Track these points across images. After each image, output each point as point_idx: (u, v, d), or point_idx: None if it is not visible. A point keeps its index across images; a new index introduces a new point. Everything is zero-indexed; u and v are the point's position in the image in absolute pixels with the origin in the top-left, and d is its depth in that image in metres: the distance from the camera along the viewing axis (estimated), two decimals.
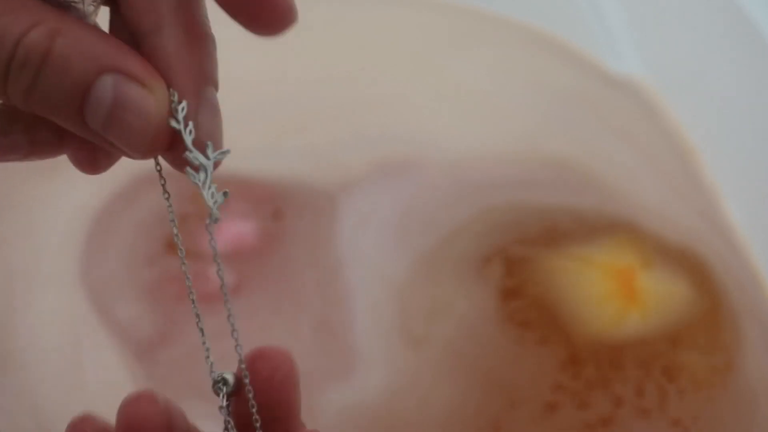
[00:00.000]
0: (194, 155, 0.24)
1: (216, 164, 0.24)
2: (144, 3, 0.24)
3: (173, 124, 0.24)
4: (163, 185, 0.26)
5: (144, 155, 0.24)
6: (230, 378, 0.26)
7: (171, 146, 0.24)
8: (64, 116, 0.24)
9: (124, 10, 0.25)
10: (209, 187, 0.24)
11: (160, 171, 0.26)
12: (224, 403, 0.26)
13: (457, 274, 0.57)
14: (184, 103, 0.24)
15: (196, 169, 0.24)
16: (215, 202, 0.24)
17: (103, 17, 0.26)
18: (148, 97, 0.24)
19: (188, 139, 0.24)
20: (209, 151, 0.24)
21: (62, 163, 0.28)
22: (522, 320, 0.55)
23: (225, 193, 0.24)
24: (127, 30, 0.25)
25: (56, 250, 0.57)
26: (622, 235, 0.60)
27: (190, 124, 0.24)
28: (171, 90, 0.24)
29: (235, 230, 0.58)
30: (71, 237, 0.58)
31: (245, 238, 0.58)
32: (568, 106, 0.69)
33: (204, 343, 0.26)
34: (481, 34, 0.73)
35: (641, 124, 0.68)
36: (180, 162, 0.25)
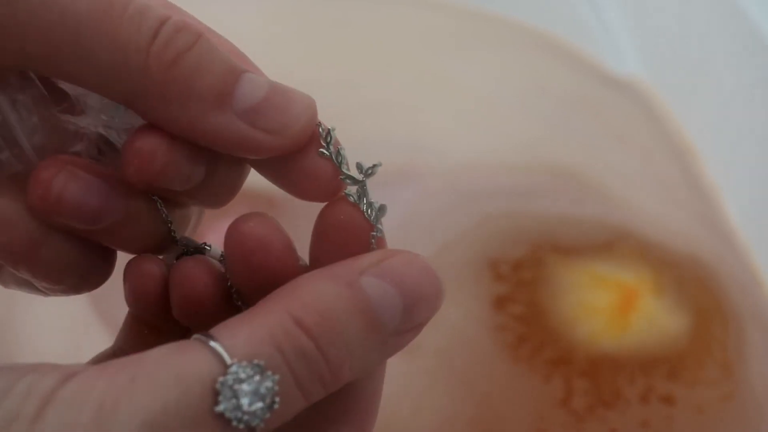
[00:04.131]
0: (349, 176, 0.24)
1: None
2: None
3: (323, 151, 0.24)
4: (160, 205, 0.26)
5: (286, 147, 0.23)
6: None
7: (306, 146, 0.24)
8: (209, 90, 0.22)
9: None
10: (366, 203, 0.24)
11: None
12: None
13: (452, 283, 0.57)
14: (332, 130, 0.24)
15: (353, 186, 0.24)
16: (375, 216, 0.24)
17: None
18: (304, 94, 0.24)
19: (342, 163, 0.24)
20: (361, 170, 0.24)
21: None
22: (516, 332, 0.55)
23: (382, 207, 0.24)
24: None
25: None
26: (623, 247, 0.59)
27: (340, 149, 0.24)
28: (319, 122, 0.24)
29: None
30: None
31: None
32: (568, 110, 0.69)
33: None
34: (481, 36, 0.73)
35: (642, 127, 0.68)
36: (293, 171, 0.24)
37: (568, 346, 0.54)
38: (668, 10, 0.71)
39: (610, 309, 0.56)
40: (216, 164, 0.24)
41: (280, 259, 0.24)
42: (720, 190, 0.64)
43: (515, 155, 0.65)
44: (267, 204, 0.60)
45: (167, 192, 0.24)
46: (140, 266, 0.26)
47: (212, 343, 0.20)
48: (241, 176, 0.26)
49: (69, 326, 0.55)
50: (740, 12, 0.65)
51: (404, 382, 0.52)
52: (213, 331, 0.21)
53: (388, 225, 0.65)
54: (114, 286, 0.56)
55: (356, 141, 0.65)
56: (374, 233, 0.24)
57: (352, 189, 0.24)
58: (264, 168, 0.25)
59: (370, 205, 0.24)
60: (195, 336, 0.21)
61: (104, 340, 0.55)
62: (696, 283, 0.58)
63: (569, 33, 0.72)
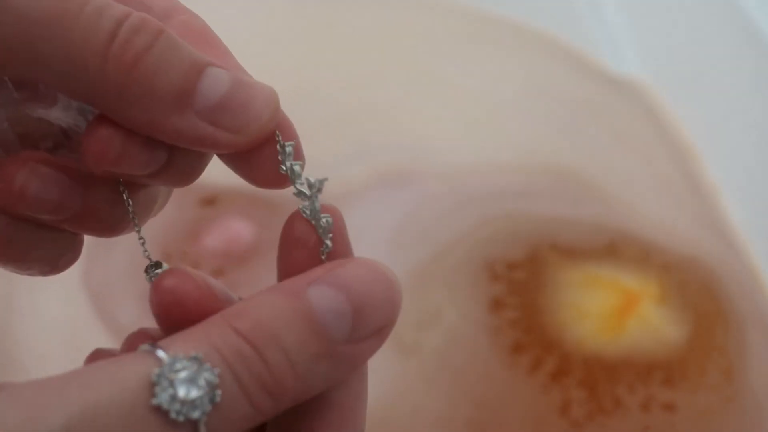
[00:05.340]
0: (301, 192, 0.24)
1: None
2: None
3: (283, 169, 0.24)
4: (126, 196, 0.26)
5: (246, 144, 0.23)
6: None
7: (264, 144, 0.24)
8: (169, 91, 0.22)
9: None
10: (315, 219, 0.24)
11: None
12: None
13: (450, 285, 0.57)
14: (290, 144, 0.24)
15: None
16: (325, 230, 0.24)
17: None
18: (267, 86, 0.24)
19: (297, 177, 0.24)
20: (310, 186, 0.24)
21: None
22: (514, 335, 0.55)
23: (328, 221, 0.24)
24: None
25: None
26: (623, 248, 0.59)
27: (293, 164, 0.24)
28: (276, 133, 0.24)
29: (230, 233, 0.58)
30: None
31: (241, 241, 0.58)
32: (568, 110, 0.69)
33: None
34: (481, 37, 0.73)
35: (642, 127, 0.68)
36: (250, 162, 0.24)
37: (567, 351, 0.54)
38: (668, 10, 0.71)
39: (610, 313, 0.56)
40: (177, 150, 0.24)
41: (199, 308, 0.23)
42: (720, 190, 0.64)
43: (515, 156, 0.65)
44: (266, 205, 0.60)
45: (129, 176, 0.25)
46: (98, 355, 0.26)
47: (156, 351, 0.20)
48: (204, 159, 0.25)
49: (69, 326, 0.55)
50: (740, 12, 0.65)
51: (402, 383, 0.52)
52: (159, 343, 0.21)
53: (387, 226, 0.64)
54: (114, 286, 0.57)
55: (355, 143, 0.65)
56: (323, 249, 0.24)
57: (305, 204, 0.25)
58: (223, 156, 0.25)
59: (318, 221, 0.24)
60: (142, 347, 0.21)
61: (104, 340, 0.55)
62: (697, 286, 0.58)
63: (569, 33, 0.72)
